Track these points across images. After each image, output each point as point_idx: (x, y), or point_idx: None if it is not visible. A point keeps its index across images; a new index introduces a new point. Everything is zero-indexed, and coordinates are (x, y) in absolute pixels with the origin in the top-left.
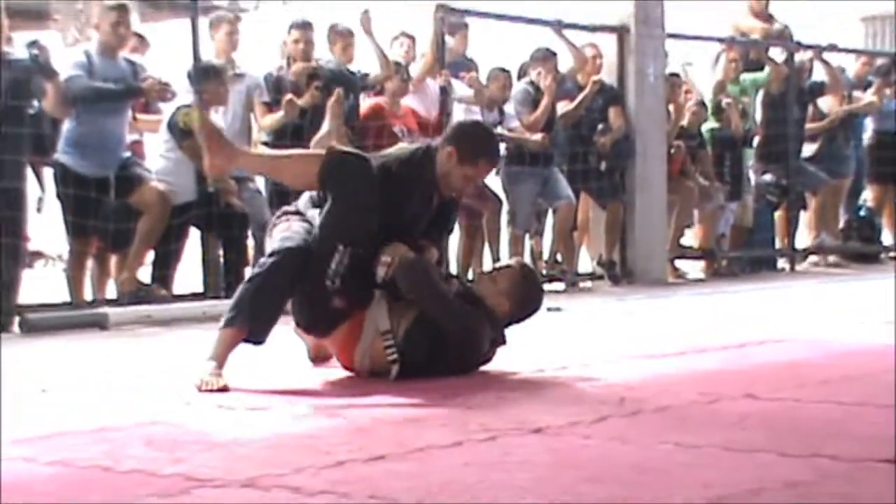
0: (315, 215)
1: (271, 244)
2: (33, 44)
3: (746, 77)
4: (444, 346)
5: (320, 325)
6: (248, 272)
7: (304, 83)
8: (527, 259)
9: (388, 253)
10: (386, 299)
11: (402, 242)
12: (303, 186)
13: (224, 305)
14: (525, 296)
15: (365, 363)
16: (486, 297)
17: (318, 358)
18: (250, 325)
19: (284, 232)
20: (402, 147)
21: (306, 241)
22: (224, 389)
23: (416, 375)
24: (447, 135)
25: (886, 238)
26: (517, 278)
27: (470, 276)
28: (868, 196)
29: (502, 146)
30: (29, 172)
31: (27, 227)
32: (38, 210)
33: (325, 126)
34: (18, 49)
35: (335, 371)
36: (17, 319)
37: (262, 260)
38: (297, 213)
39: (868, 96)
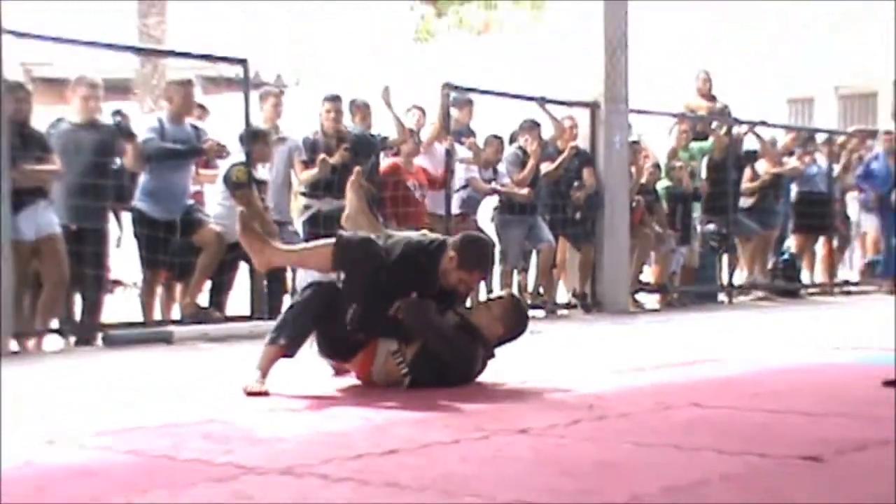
0: None
1: (306, 278)
2: (117, 112)
3: (694, 145)
4: (443, 370)
5: (340, 354)
6: (287, 300)
7: (334, 145)
8: (515, 290)
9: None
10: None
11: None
12: (326, 272)
13: (267, 325)
14: (515, 321)
15: (381, 378)
16: (482, 322)
17: (339, 371)
18: (289, 343)
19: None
20: (424, 235)
21: (334, 281)
22: (266, 394)
23: (421, 388)
24: (455, 241)
25: (805, 278)
26: (508, 307)
27: (468, 304)
28: (791, 243)
29: (496, 198)
30: (111, 216)
31: (108, 260)
32: (117, 246)
33: (348, 207)
34: (106, 116)
35: (354, 381)
36: (100, 335)
37: (301, 291)
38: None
39: (792, 162)
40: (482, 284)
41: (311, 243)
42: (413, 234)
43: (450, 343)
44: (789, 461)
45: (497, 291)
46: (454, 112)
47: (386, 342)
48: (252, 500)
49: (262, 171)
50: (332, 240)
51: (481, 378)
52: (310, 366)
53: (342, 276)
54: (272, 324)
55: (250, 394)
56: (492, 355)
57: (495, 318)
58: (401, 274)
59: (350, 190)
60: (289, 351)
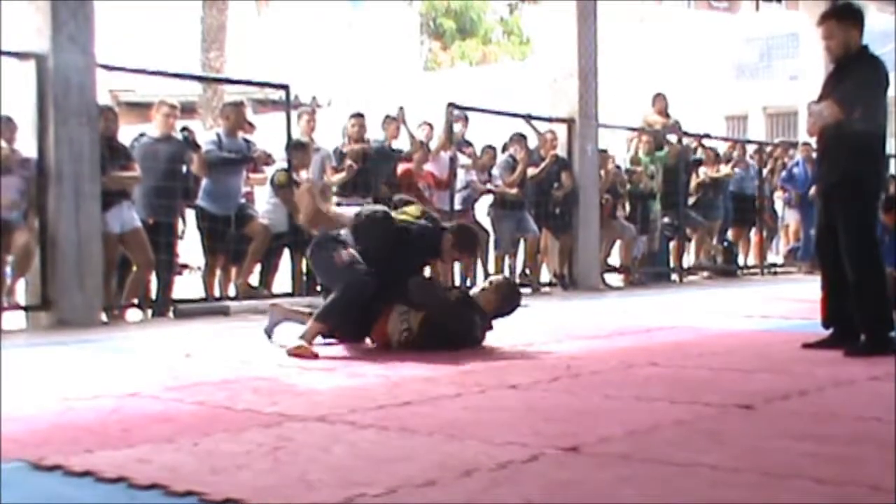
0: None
1: (341, 267)
2: (184, 129)
3: (653, 154)
4: (446, 335)
5: (361, 333)
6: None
7: (358, 154)
8: (507, 272)
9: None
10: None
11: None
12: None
13: (304, 302)
14: (508, 297)
15: (395, 337)
16: (480, 298)
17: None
18: (334, 324)
19: (348, 258)
20: (427, 220)
21: (368, 271)
22: (315, 356)
23: (429, 350)
24: (453, 227)
25: (741, 261)
26: (503, 286)
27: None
28: (730, 234)
29: (490, 196)
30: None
31: (177, 248)
32: (182, 237)
33: (302, 212)
34: (175, 132)
35: (374, 350)
36: (171, 309)
37: (347, 280)
38: (343, 241)
39: (724, 169)
40: (480, 268)
41: (342, 209)
42: (421, 220)
43: (451, 313)
44: (728, 408)
45: (493, 273)
46: (457, 127)
47: (399, 307)
48: (294, 442)
49: (303, 175)
50: (355, 212)
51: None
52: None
53: (361, 241)
54: (309, 299)
55: (296, 355)
56: (490, 326)
57: (492, 294)
58: (414, 251)
59: (298, 200)
60: (330, 329)
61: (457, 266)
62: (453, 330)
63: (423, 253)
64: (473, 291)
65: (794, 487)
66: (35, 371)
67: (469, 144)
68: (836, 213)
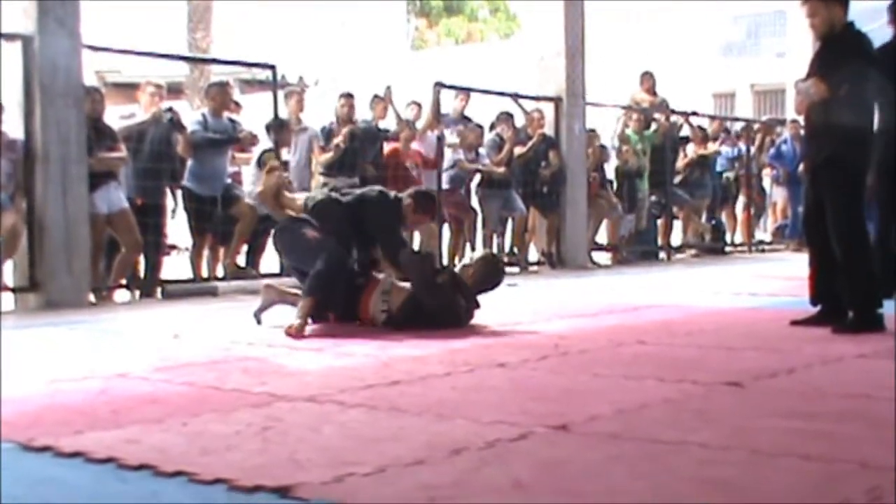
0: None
1: (315, 242)
2: (169, 109)
3: (641, 132)
4: (427, 316)
5: (350, 312)
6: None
7: (346, 133)
8: (494, 250)
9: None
10: (392, 279)
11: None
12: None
13: (291, 282)
14: (489, 272)
15: (376, 316)
16: (463, 275)
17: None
18: (319, 296)
19: (319, 233)
20: (380, 189)
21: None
22: (307, 337)
23: (409, 329)
24: (410, 193)
25: (729, 239)
26: (484, 261)
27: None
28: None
29: (478, 176)
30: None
31: (166, 229)
32: (172, 217)
33: (262, 186)
34: (162, 113)
35: (364, 329)
36: (159, 289)
37: (323, 255)
38: (307, 221)
39: (711, 146)
40: (468, 245)
41: (298, 195)
42: (373, 187)
43: (436, 296)
44: (716, 386)
45: (480, 251)
46: (457, 104)
47: (381, 285)
48: (283, 422)
49: (287, 155)
50: (304, 198)
51: (470, 322)
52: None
53: (322, 224)
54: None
55: (293, 335)
56: (477, 305)
57: (473, 269)
58: (377, 216)
59: (265, 173)
60: (320, 302)
61: (444, 248)
62: (435, 312)
63: (386, 217)
64: (457, 268)
65: (782, 465)
66: (24, 353)
67: (466, 121)
68: (823, 190)
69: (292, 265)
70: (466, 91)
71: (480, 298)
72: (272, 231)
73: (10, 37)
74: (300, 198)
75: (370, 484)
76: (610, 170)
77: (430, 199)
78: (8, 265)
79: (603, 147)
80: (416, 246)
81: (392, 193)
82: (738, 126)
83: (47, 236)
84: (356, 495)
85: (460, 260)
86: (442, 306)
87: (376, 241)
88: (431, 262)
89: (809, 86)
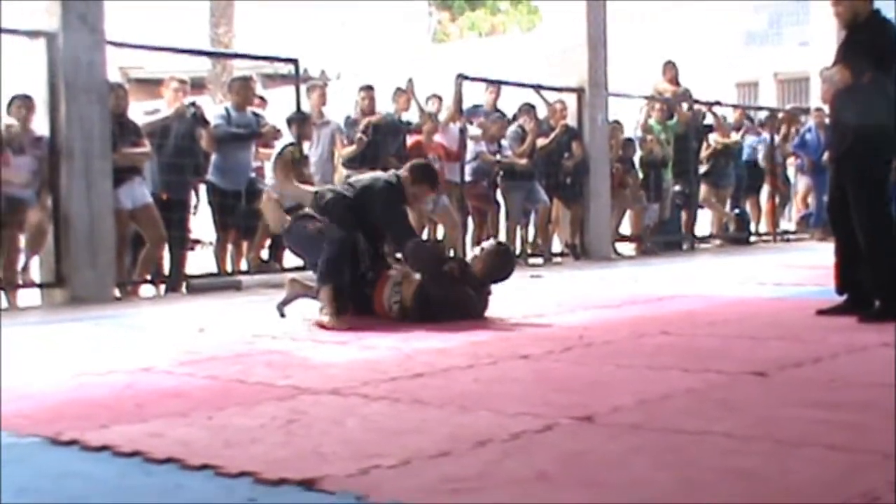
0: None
1: (317, 232)
2: (192, 104)
3: (664, 122)
4: (436, 306)
5: (362, 305)
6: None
7: (367, 128)
8: (518, 243)
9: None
10: (402, 271)
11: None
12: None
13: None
14: (501, 263)
15: (389, 308)
16: (474, 265)
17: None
18: (335, 282)
19: (323, 225)
20: (386, 178)
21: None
22: (349, 329)
23: (421, 321)
24: (407, 167)
25: (753, 229)
26: (493, 250)
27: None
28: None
29: (500, 168)
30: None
31: (189, 224)
32: (194, 213)
33: (278, 183)
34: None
35: (385, 322)
36: (184, 284)
37: (329, 243)
38: (310, 216)
39: (734, 136)
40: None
41: (305, 187)
42: (378, 175)
43: (440, 283)
44: (740, 376)
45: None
46: (487, 97)
47: (392, 278)
48: (307, 415)
49: (306, 148)
50: (313, 191)
51: (491, 314)
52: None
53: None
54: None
55: (326, 328)
56: (489, 291)
57: (484, 260)
58: (385, 204)
59: (279, 169)
60: (336, 285)
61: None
62: (442, 302)
63: (390, 205)
64: (468, 258)
65: (806, 455)
66: (49, 347)
67: (503, 116)
68: (846, 180)
69: (308, 262)
70: (496, 84)
71: (496, 289)
72: (282, 234)
73: (34, 34)
74: (311, 189)
75: (394, 476)
76: (635, 161)
77: (426, 169)
78: (35, 261)
79: (630, 140)
80: (439, 237)
81: (396, 177)
82: (762, 115)
83: (72, 232)
84: (380, 488)
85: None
86: (448, 296)
87: (384, 233)
88: (437, 251)
89: (834, 73)
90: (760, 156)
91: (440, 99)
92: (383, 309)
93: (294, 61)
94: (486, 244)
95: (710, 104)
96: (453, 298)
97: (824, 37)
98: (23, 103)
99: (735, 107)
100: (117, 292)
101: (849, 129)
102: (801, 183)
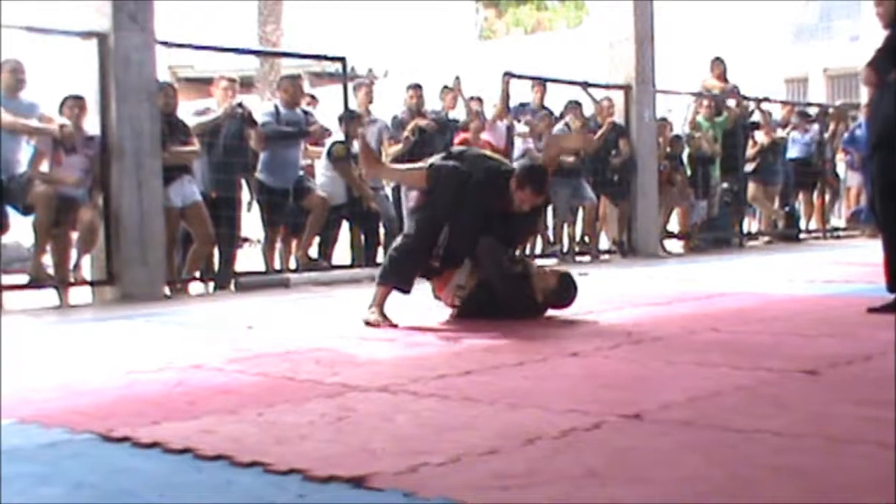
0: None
1: (413, 212)
2: (240, 105)
3: (713, 119)
4: (495, 303)
5: (429, 274)
6: (381, 252)
7: (414, 127)
8: (565, 240)
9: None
10: (470, 266)
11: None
12: (416, 186)
13: (363, 273)
14: (563, 291)
15: (448, 300)
16: (537, 281)
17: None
18: (397, 281)
19: (423, 203)
20: (496, 160)
21: (421, 231)
22: (394, 326)
23: (478, 316)
24: (516, 168)
25: (803, 225)
26: (561, 279)
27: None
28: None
29: None
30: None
31: (240, 222)
32: (248, 210)
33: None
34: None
35: (439, 316)
36: (233, 281)
37: (399, 240)
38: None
39: (780, 132)
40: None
41: (408, 166)
42: (490, 159)
43: (507, 282)
44: (790, 374)
45: (552, 241)
46: (535, 96)
47: (460, 274)
48: (356, 412)
49: (355, 146)
50: (426, 164)
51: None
52: (399, 308)
53: (433, 193)
54: (369, 270)
55: (373, 325)
56: (540, 312)
57: (547, 284)
58: (484, 194)
59: (363, 159)
60: (400, 286)
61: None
62: (506, 299)
63: (489, 197)
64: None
65: (857, 452)
66: (101, 345)
67: (550, 113)
68: (873, 176)
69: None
70: (542, 81)
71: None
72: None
73: (86, 35)
74: (402, 167)
75: (444, 473)
76: (683, 157)
77: (535, 173)
78: (86, 259)
79: (677, 137)
80: None
81: (506, 166)
82: (812, 111)
83: (123, 230)
84: (430, 485)
85: (531, 249)
86: (512, 295)
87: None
88: (502, 249)
89: (863, 71)
90: (810, 152)
91: (480, 101)
92: (445, 295)
93: (342, 59)
94: (554, 267)
95: (758, 100)
96: (516, 298)
97: (876, 31)
98: (75, 103)
99: (784, 103)
100: (167, 290)
101: (873, 127)
102: (851, 179)
